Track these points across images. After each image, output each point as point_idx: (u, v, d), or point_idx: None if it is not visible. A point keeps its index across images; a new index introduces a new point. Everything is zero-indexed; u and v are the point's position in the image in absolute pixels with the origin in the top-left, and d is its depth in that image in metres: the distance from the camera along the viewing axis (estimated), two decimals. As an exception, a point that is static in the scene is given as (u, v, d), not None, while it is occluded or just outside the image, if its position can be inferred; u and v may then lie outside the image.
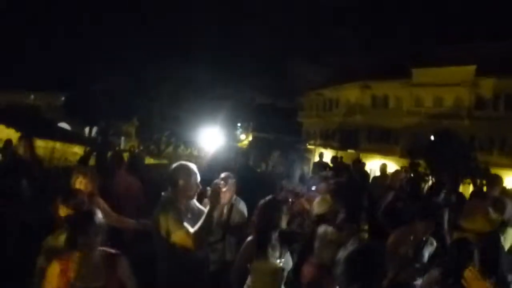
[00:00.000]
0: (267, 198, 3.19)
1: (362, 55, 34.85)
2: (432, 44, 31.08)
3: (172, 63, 33.30)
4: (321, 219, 3.98)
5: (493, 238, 4.21)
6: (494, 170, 22.99)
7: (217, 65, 36.15)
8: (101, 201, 3.58)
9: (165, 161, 15.05)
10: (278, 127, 39.58)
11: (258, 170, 8.13)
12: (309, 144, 36.94)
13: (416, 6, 38.62)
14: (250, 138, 44.21)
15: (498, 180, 6.23)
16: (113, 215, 3.61)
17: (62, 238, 2.54)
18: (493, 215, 5.21)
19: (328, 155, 13.85)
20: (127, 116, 30.54)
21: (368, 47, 36.42)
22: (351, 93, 35.14)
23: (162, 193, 3.00)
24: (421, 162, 20.68)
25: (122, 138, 30.53)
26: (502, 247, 4.32)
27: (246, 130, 49.96)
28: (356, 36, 40.41)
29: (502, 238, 4.59)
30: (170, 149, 28.08)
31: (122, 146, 24.85)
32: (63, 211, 2.78)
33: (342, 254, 2.27)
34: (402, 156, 26.88)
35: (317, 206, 4.34)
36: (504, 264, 3.54)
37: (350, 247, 2.29)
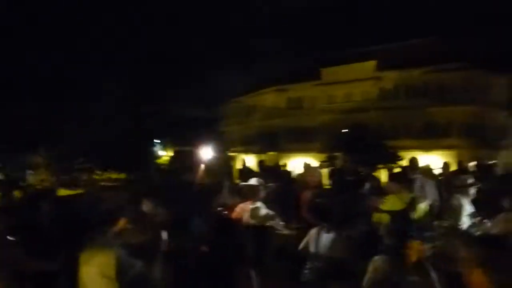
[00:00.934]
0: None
1: (276, 61, 36.08)
2: (338, 46, 33.37)
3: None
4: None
5: (402, 213, 4.63)
6: (402, 153, 25.21)
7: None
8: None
9: (79, 190, 13.97)
10: (200, 139, 39.11)
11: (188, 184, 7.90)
12: (230, 152, 37.11)
13: (322, 13, 41.16)
14: (171, 153, 43.16)
15: (414, 162, 6.79)
16: None
17: None
18: (405, 194, 5.70)
19: (249, 160, 14.01)
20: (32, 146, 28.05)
21: (280, 53, 37.86)
22: (268, 98, 36.19)
23: None
24: (339, 155, 21.81)
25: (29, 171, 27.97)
26: (411, 220, 4.72)
27: (165, 146, 48.62)
28: (270, 43, 41.61)
29: (412, 212, 5.07)
30: (85, 176, 26.30)
31: (30, 181, 22.69)
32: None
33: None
34: (320, 152, 28.08)
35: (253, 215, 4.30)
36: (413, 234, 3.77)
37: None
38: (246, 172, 9.21)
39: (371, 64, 30.40)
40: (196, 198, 5.52)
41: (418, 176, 6.26)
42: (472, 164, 10.69)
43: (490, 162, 10.34)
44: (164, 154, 45.86)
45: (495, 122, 26.73)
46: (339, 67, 31.15)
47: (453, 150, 25.57)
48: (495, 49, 26.09)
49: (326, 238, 4.09)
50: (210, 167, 8.70)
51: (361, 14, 35.54)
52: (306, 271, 3.78)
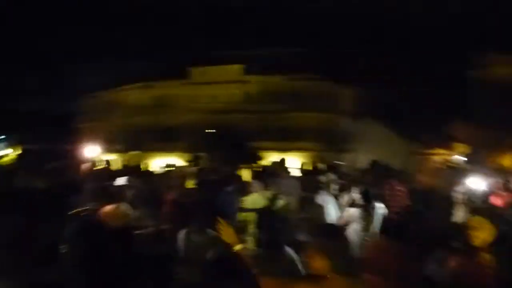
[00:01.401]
0: None
1: (141, 57, 34.58)
2: (207, 48, 33.65)
3: None
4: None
5: (265, 210, 4.96)
6: (263, 154, 26.73)
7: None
8: None
9: None
10: (52, 136, 35.37)
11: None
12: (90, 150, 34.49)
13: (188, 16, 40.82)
14: (18, 152, 38.10)
15: (282, 162, 7.29)
16: None
17: None
18: (267, 191, 6.11)
19: (112, 159, 13.25)
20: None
21: (147, 50, 36.43)
22: (132, 94, 34.56)
23: None
24: (203, 155, 22.03)
25: None
26: (274, 214, 5.10)
27: (10, 144, 42.70)
28: (135, 39, 39.62)
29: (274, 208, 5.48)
30: None
31: None
32: None
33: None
34: (185, 151, 27.99)
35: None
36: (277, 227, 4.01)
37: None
38: (109, 172, 8.64)
39: (238, 67, 31.55)
40: (43, 203, 4.95)
41: (281, 175, 6.68)
42: (323, 165, 11.89)
43: (339, 163, 11.65)
44: (9, 152, 40.28)
45: (342, 128, 30.22)
46: (207, 68, 31.57)
47: (307, 152, 28.15)
48: (344, 63, 29.56)
49: (194, 238, 4.05)
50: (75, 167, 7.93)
51: (232, 16, 36.55)
52: (176, 275, 3.69)
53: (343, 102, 30.73)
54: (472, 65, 24.92)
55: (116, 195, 4.74)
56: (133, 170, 8.89)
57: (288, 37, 31.49)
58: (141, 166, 8.72)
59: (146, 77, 32.89)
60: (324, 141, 28.99)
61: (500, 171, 11.64)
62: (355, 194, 6.08)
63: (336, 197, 6.69)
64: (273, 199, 5.51)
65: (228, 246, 2.57)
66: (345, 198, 6.43)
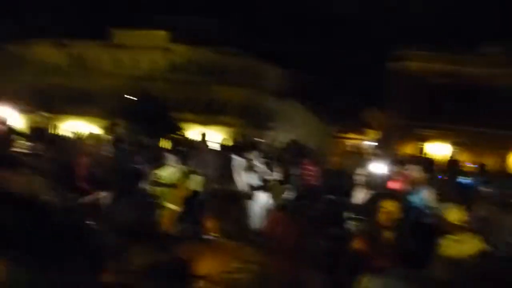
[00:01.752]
0: None
1: (56, 11, 31.57)
2: (131, 9, 31.70)
3: None
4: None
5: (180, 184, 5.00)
6: (185, 126, 26.36)
7: None
8: None
9: None
10: None
11: None
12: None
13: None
14: None
15: (203, 137, 7.24)
16: None
17: None
18: (181, 167, 6.09)
19: (17, 120, 12.15)
20: None
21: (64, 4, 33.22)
22: (43, 51, 31.57)
23: None
24: (121, 122, 21.12)
25: None
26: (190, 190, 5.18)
27: None
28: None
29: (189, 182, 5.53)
30: None
31: None
32: None
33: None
34: (101, 117, 26.60)
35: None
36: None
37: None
38: (11, 136, 7.91)
39: (163, 34, 30.23)
40: None
41: (200, 149, 6.64)
42: (244, 141, 12.10)
43: (260, 140, 11.91)
44: None
45: (265, 106, 30.74)
46: (130, 31, 29.85)
47: (229, 127, 28.27)
48: (274, 43, 29.97)
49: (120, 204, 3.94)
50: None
51: None
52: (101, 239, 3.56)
53: (268, 81, 31.15)
54: (391, 58, 26.67)
55: (24, 162, 4.39)
56: (40, 135, 8.26)
57: (218, 8, 30.84)
58: (51, 130, 8.11)
59: (60, 33, 30.20)
60: (247, 118, 29.28)
61: (401, 158, 12.72)
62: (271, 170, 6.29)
63: (256, 173, 6.83)
64: (187, 174, 5.49)
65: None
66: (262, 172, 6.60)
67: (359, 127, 32.92)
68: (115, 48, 30.60)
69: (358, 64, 29.21)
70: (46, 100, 29.65)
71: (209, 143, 8.56)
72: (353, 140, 31.89)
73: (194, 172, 5.62)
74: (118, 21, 29.82)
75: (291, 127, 26.57)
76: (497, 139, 24.89)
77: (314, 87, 30.31)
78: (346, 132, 32.45)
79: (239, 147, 9.66)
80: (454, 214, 3.59)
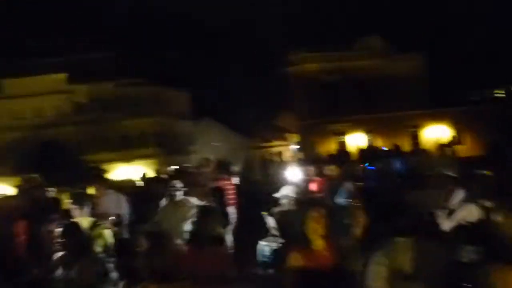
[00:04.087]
0: None
1: None
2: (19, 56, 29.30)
3: None
4: None
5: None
6: (105, 166, 24.85)
7: None
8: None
9: None
10: None
11: None
12: None
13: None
14: None
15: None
16: None
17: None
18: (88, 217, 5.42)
19: None
20: None
21: None
22: None
23: None
24: (35, 176, 19.30)
25: None
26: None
27: None
28: None
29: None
30: None
31: None
32: None
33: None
34: (12, 174, 24.22)
35: None
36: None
37: None
38: None
39: (61, 76, 28.43)
40: None
41: (100, 193, 6.02)
42: (170, 169, 11.55)
43: (186, 165, 11.43)
44: None
45: (181, 131, 30.24)
46: (24, 79, 27.49)
47: (150, 159, 27.27)
48: (174, 68, 29.80)
49: None
50: None
51: (45, 20, 32.21)
52: None
53: (178, 106, 30.79)
54: (285, 63, 27.88)
55: None
56: None
57: (105, 42, 29.71)
58: None
59: None
60: (165, 146, 28.52)
61: (316, 157, 12.92)
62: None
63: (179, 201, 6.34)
64: (94, 226, 4.83)
65: None
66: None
67: (279, 133, 33.47)
68: (9, 100, 28.12)
69: (258, 72, 29.80)
70: None
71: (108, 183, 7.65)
72: (277, 147, 32.29)
73: (100, 223, 4.96)
74: (6, 71, 27.31)
75: (213, 146, 26.37)
76: (404, 119, 26.96)
77: (223, 104, 30.59)
78: (269, 141, 32.77)
79: (160, 178, 9.19)
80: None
